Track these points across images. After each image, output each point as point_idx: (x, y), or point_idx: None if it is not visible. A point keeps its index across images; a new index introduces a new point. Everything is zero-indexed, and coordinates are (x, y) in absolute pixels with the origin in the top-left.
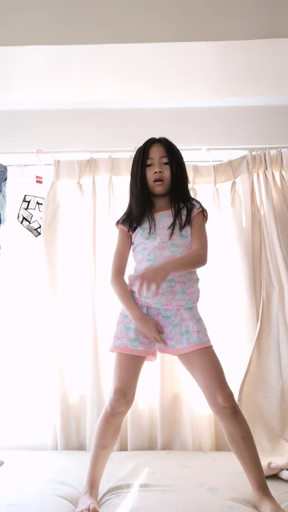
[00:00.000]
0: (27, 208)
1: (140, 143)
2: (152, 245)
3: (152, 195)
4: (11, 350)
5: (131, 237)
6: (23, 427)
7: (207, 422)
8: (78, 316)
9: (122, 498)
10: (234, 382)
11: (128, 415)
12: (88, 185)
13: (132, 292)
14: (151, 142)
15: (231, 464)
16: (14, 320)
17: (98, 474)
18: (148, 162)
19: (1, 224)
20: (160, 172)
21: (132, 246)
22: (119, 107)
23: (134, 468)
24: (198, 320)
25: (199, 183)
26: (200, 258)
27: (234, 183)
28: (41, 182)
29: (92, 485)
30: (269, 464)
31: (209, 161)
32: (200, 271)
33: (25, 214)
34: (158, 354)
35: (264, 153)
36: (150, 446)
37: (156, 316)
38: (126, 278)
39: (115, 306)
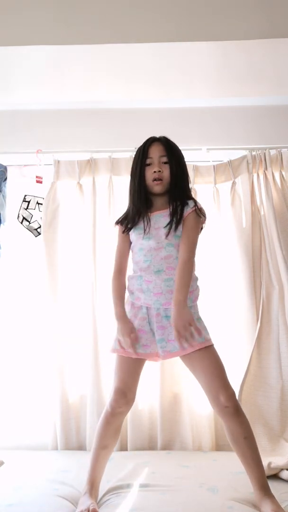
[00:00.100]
0: (27, 208)
1: (140, 143)
2: (148, 246)
3: (151, 194)
4: (11, 350)
5: (129, 236)
6: (23, 427)
7: (207, 422)
8: (78, 316)
9: (122, 498)
10: (234, 382)
11: (128, 415)
12: (88, 185)
13: (131, 293)
14: (151, 141)
15: (231, 464)
16: (14, 320)
17: (98, 474)
18: (148, 161)
19: (1, 224)
20: (159, 171)
21: (130, 246)
22: (119, 107)
23: (134, 468)
24: (198, 319)
25: (199, 183)
26: (189, 268)
27: (234, 183)
28: (41, 182)
29: (92, 485)
30: (269, 464)
31: (209, 161)
32: (200, 271)
33: (25, 214)
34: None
35: (264, 153)
36: (150, 446)
37: (156, 316)
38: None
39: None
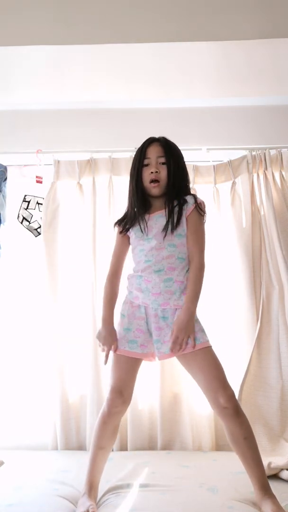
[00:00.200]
0: (27, 208)
1: (140, 143)
2: (149, 246)
3: (150, 196)
4: (11, 350)
5: (128, 238)
6: (23, 427)
7: (207, 422)
8: (78, 316)
9: (122, 498)
10: (234, 382)
11: (128, 415)
12: (88, 185)
13: (130, 292)
14: (149, 142)
15: (231, 464)
16: (14, 320)
17: (96, 475)
18: (145, 162)
19: (1, 224)
20: (156, 172)
21: (131, 247)
22: (119, 107)
23: (134, 468)
24: (196, 321)
25: (199, 183)
26: (201, 272)
27: (234, 183)
28: (41, 182)
29: (91, 486)
30: (269, 464)
31: (209, 161)
32: None
33: (25, 214)
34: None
35: (264, 153)
36: (150, 446)
37: (154, 316)
38: (124, 279)
39: (115, 306)
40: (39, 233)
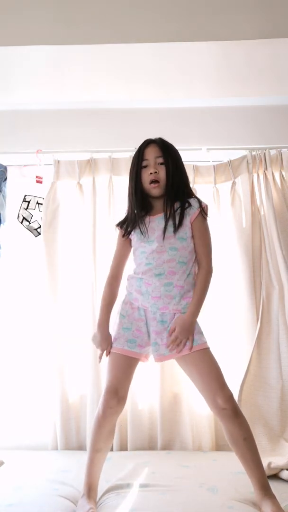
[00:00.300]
0: (27, 208)
1: (140, 143)
2: (150, 249)
3: (150, 197)
4: (11, 350)
5: (129, 240)
6: (23, 427)
7: (207, 422)
8: (78, 316)
9: (122, 498)
10: (234, 382)
11: (128, 415)
12: (88, 185)
13: (129, 293)
14: (146, 144)
15: (231, 464)
16: (14, 320)
17: (95, 476)
18: (144, 163)
19: (1, 224)
20: (156, 172)
21: (132, 249)
22: (119, 107)
23: (134, 468)
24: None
25: (199, 183)
26: (209, 277)
27: (234, 183)
28: (41, 182)
29: (90, 488)
30: (269, 464)
31: (209, 161)
32: None
33: (25, 214)
34: None
35: (264, 153)
36: (150, 446)
37: (152, 320)
38: (124, 279)
39: (115, 306)
40: (39, 233)
